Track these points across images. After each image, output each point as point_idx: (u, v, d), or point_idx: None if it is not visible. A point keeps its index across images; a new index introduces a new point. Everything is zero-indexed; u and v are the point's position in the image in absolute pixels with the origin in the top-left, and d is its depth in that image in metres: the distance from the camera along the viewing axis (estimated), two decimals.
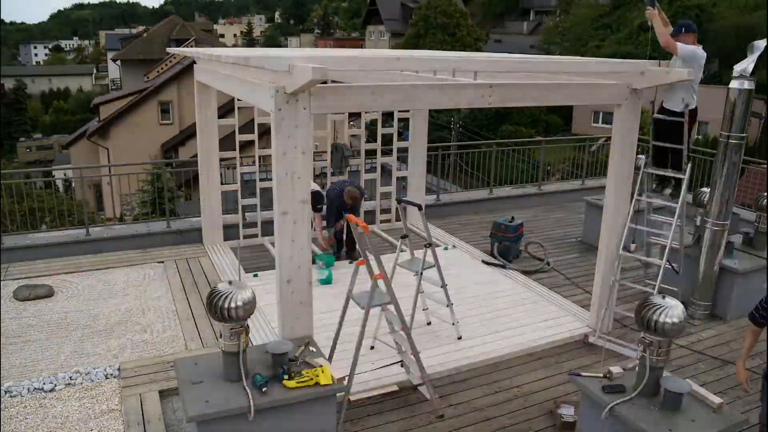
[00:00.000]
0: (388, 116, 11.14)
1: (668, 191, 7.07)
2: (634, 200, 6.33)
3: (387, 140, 9.93)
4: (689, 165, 6.36)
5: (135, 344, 6.22)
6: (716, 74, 38.92)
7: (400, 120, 9.94)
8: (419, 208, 6.70)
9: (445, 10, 45.35)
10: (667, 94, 6.53)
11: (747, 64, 6.10)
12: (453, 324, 6.39)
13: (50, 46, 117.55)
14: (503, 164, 12.02)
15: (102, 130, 30.55)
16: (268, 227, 8.36)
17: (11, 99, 57.63)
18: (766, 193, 7.37)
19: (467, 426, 5.05)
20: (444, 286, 6.35)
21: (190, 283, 7.69)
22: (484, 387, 5.60)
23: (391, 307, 5.07)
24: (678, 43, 6.29)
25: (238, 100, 7.79)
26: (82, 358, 5.91)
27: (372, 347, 5.96)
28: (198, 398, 4.04)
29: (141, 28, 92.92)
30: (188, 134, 28.51)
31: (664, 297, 4.20)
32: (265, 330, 6.35)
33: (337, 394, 4.52)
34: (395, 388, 5.54)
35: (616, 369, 4.49)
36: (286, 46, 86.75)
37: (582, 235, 9.39)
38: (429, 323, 6.59)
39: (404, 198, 7.60)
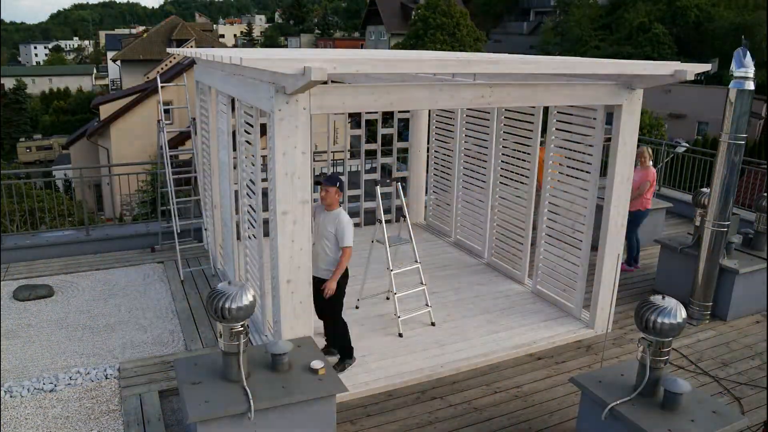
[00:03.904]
0: (388, 116, 11.13)
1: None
2: None
3: (387, 140, 9.93)
4: None
5: (135, 344, 6.22)
6: (716, 75, 38.92)
7: (400, 120, 9.95)
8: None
9: (445, 10, 45.35)
10: None
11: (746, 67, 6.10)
12: (426, 305, 6.59)
13: (50, 46, 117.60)
14: None
15: (102, 130, 30.58)
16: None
17: (11, 99, 57.60)
18: (766, 194, 7.38)
19: (467, 426, 5.05)
20: (417, 263, 6.66)
21: (190, 283, 7.69)
22: (484, 387, 5.60)
23: None
24: None
25: (238, 100, 7.78)
26: (82, 358, 5.92)
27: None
28: (198, 398, 4.04)
29: (141, 28, 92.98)
30: (188, 134, 28.53)
31: (663, 297, 4.20)
32: (265, 330, 6.35)
33: None
34: (394, 387, 5.54)
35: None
36: (286, 46, 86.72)
37: None
38: (387, 298, 6.94)
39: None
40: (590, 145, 6.52)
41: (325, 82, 4.89)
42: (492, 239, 8.29)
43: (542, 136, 7.39)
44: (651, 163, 8.32)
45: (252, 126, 5.83)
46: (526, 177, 7.47)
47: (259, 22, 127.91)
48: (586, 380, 4.49)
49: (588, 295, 6.97)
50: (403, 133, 10.43)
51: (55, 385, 5.42)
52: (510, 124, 7.69)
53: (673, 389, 4.08)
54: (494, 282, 7.85)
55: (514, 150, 7.68)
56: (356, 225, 9.86)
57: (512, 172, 7.76)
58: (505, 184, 7.95)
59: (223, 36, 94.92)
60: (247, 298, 4.12)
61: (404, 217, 6.59)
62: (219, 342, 4.22)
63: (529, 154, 7.38)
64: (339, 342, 5.74)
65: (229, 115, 6.80)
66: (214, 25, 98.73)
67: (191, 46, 41.79)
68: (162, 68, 40.52)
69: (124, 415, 5.03)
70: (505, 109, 7.72)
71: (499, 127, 7.88)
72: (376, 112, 9.35)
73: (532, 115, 7.24)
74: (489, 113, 8.04)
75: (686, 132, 35.34)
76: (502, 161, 7.95)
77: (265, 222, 6.32)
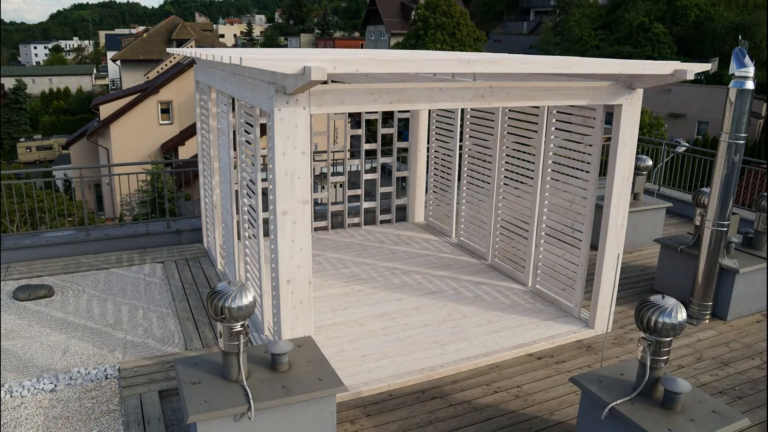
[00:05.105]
0: (388, 116, 11.14)
1: None
2: None
3: (387, 140, 9.93)
4: None
5: (135, 344, 6.22)
6: (716, 74, 38.96)
7: (400, 120, 9.95)
8: None
9: (445, 10, 45.39)
10: None
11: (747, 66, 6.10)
12: None
13: (50, 46, 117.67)
14: None
15: (102, 130, 30.61)
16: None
17: (11, 99, 57.63)
18: (766, 194, 7.38)
19: (467, 426, 5.06)
20: None
21: (190, 283, 7.70)
22: (484, 387, 5.60)
23: None
24: None
25: (238, 100, 7.79)
26: (82, 358, 5.92)
27: None
28: (198, 398, 4.04)
29: (141, 28, 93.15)
30: (188, 134, 28.57)
31: (663, 297, 4.20)
32: (265, 330, 6.35)
33: None
34: (394, 387, 5.54)
35: None
36: (286, 46, 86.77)
37: None
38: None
39: None
40: (590, 145, 6.52)
41: (325, 82, 4.89)
42: (495, 240, 8.29)
43: None
44: None
45: (252, 126, 5.83)
46: (531, 178, 7.46)
47: (259, 22, 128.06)
48: (586, 380, 4.49)
49: (588, 294, 6.98)
50: (403, 133, 10.44)
51: (55, 385, 5.42)
52: (514, 125, 7.69)
53: (672, 389, 4.08)
54: (494, 282, 7.85)
55: (519, 150, 7.67)
56: (356, 225, 9.91)
57: (516, 173, 7.74)
58: (508, 185, 7.95)
59: (223, 36, 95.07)
60: (247, 298, 4.12)
61: None
62: (219, 342, 4.22)
63: (533, 154, 7.38)
64: None
65: (229, 115, 6.80)
66: (214, 25, 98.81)
67: (191, 46, 41.84)
68: (162, 68, 40.56)
69: (124, 415, 5.04)
70: (509, 109, 7.73)
71: (504, 127, 7.88)
72: (376, 112, 9.35)
73: (536, 115, 7.24)
74: (493, 113, 8.04)
75: (686, 131, 35.38)
76: (506, 161, 7.95)
77: (265, 222, 6.35)
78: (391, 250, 8.91)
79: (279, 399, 4.11)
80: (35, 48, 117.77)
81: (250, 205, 6.15)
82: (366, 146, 9.66)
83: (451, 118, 9.10)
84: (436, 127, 9.51)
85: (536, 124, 7.28)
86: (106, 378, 5.58)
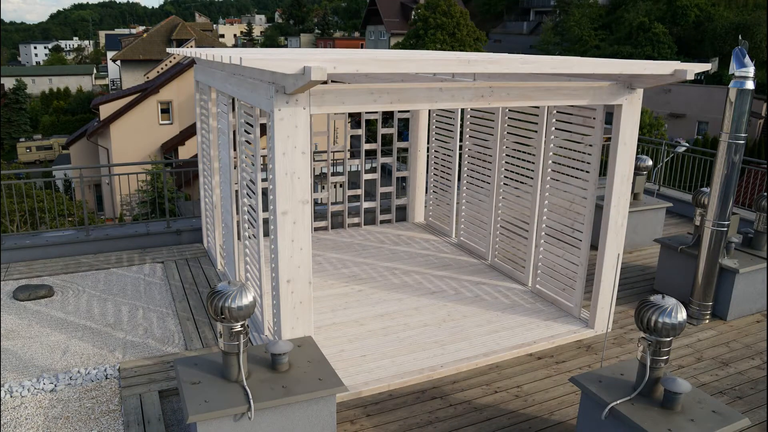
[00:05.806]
0: (388, 116, 11.14)
1: None
2: None
3: (387, 140, 9.93)
4: None
5: (135, 344, 6.22)
6: (716, 74, 38.98)
7: (400, 120, 9.95)
8: None
9: (445, 10, 45.42)
10: None
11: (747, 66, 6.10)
12: None
13: (50, 46, 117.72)
14: None
15: (102, 130, 30.61)
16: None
17: (11, 99, 57.63)
18: (766, 193, 7.38)
19: (467, 426, 5.06)
20: None
21: (190, 283, 7.70)
22: (484, 387, 5.60)
23: None
24: None
25: (238, 100, 7.79)
26: (82, 358, 5.92)
27: None
28: (198, 398, 4.04)
29: (141, 28, 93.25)
30: (188, 134, 28.58)
31: (663, 297, 4.20)
32: (264, 330, 6.35)
33: None
34: (394, 387, 5.54)
35: None
36: (286, 46, 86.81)
37: None
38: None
39: None
40: (590, 145, 6.53)
41: (325, 82, 4.90)
42: (495, 240, 8.30)
43: None
44: None
45: (252, 126, 5.83)
46: (531, 178, 7.46)
47: (259, 22, 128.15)
48: (586, 380, 4.49)
49: (588, 294, 6.97)
50: (403, 133, 10.45)
51: (55, 385, 5.42)
52: (514, 125, 7.69)
53: (672, 389, 4.08)
54: (494, 282, 7.85)
55: (519, 150, 7.67)
56: (356, 225, 9.91)
57: (516, 173, 7.75)
58: (508, 185, 7.95)
59: (223, 36, 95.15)
60: (247, 298, 4.12)
61: None
62: (219, 342, 4.22)
63: (533, 154, 7.38)
64: None
65: (229, 115, 6.80)
66: (214, 25, 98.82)
67: (191, 46, 41.86)
68: (162, 68, 40.57)
69: (124, 415, 5.04)
70: (509, 109, 7.73)
71: (504, 127, 7.88)
72: (376, 112, 9.34)
73: (536, 115, 7.25)
74: (493, 113, 8.04)
75: (686, 131, 35.40)
76: (506, 161, 7.95)
77: (265, 222, 6.35)
78: (391, 250, 8.91)
79: (279, 399, 4.11)
80: (35, 48, 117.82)
81: (250, 205, 6.15)
82: (366, 146, 9.66)
83: (451, 118, 9.10)
84: (436, 127, 9.51)
85: (536, 124, 7.28)
86: (106, 378, 5.58)
